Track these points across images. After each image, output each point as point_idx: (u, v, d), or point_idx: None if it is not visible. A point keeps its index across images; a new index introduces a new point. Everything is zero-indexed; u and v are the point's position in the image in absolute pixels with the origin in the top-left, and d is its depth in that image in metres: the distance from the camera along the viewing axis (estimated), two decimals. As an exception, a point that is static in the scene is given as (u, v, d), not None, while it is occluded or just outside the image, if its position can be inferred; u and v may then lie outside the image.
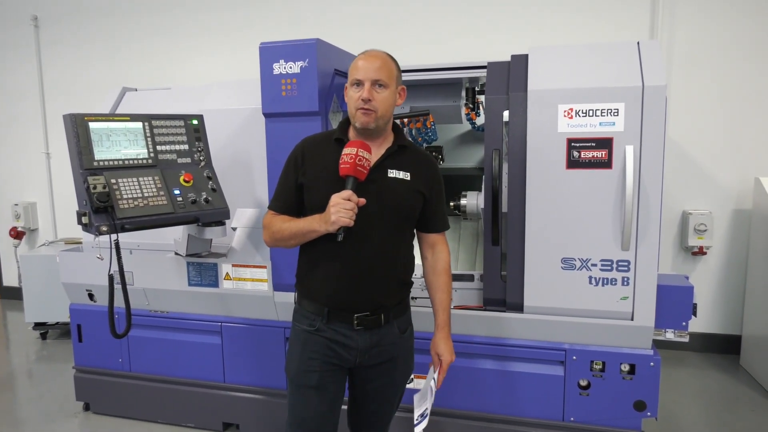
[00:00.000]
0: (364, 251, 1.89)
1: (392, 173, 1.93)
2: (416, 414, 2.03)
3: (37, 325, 4.93)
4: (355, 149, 1.81)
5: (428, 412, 2.04)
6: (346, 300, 1.92)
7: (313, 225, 1.85)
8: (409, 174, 1.95)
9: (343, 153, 1.83)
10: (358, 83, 1.89)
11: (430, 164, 2.04)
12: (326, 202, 1.80)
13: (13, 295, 6.05)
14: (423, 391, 2.07)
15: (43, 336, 4.99)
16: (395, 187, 1.92)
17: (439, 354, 2.08)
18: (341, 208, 1.76)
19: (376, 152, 1.94)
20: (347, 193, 1.78)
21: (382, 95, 1.88)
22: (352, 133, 1.98)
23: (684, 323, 2.60)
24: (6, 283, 6.24)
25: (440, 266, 2.11)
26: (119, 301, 2.62)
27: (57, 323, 4.92)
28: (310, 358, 1.96)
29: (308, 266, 1.99)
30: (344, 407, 2.14)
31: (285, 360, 2.08)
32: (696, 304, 2.60)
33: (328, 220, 1.78)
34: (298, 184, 1.97)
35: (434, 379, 2.08)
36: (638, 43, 2.56)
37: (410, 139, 3.26)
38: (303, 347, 1.98)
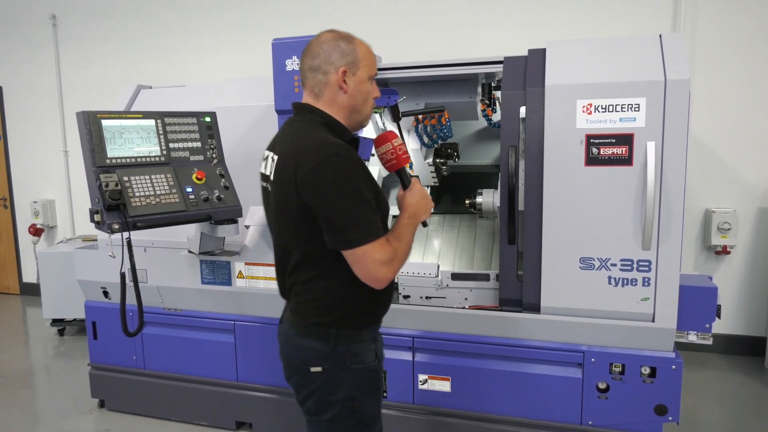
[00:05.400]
0: None
1: None
2: None
3: (55, 322, 4.98)
4: (390, 144, 1.71)
5: None
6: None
7: (411, 224, 1.69)
8: None
9: (383, 151, 1.72)
10: (373, 79, 1.74)
11: None
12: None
13: (32, 291, 6.14)
14: None
15: (61, 332, 5.05)
16: None
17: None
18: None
19: None
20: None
21: None
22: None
23: (707, 325, 2.52)
24: (25, 279, 6.33)
25: None
26: (132, 299, 2.62)
27: (74, 320, 4.97)
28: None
29: (351, 283, 1.64)
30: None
31: (362, 411, 1.75)
32: (720, 305, 2.52)
33: (429, 209, 1.73)
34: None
35: None
36: (660, 36, 2.48)
37: (425, 135, 3.22)
38: (379, 386, 1.80)
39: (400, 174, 1.74)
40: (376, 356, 1.75)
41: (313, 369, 1.67)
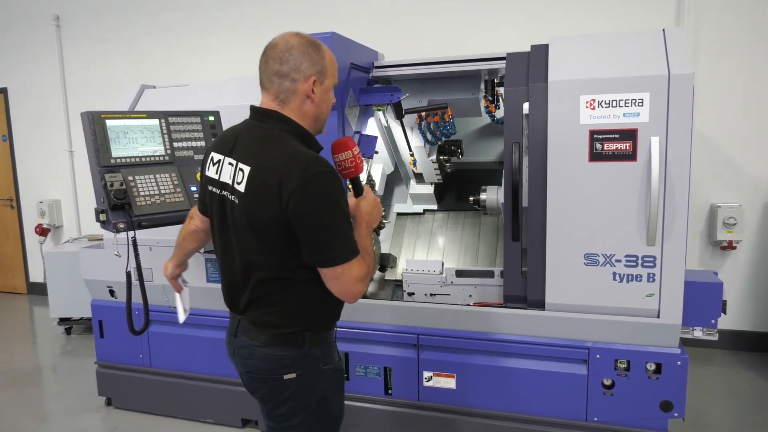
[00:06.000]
0: None
1: None
2: None
3: (62, 320, 5.02)
4: (350, 152, 1.68)
5: None
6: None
7: (369, 234, 1.71)
8: None
9: (343, 158, 1.68)
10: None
11: None
12: None
13: (39, 290, 6.17)
14: None
15: (68, 331, 5.08)
16: None
17: None
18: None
19: None
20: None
21: None
22: None
23: (713, 321, 2.51)
24: (32, 279, 6.37)
25: None
26: (138, 298, 2.63)
27: (81, 318, 5.01)
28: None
29: (325, 294, 1.65)
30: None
31: (332, 410, 1.79)
32: (726, 301, 2.51)
33: (380, 216, 1.75)
34: None
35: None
36: (663, 30, 2.47)
37: (429, 132, 3.22)
38: (344, 386, 1.84)
39: (355, 182, 1.72)
40: (338, 355, 1.80)
41: (287, 376, 1.66)
